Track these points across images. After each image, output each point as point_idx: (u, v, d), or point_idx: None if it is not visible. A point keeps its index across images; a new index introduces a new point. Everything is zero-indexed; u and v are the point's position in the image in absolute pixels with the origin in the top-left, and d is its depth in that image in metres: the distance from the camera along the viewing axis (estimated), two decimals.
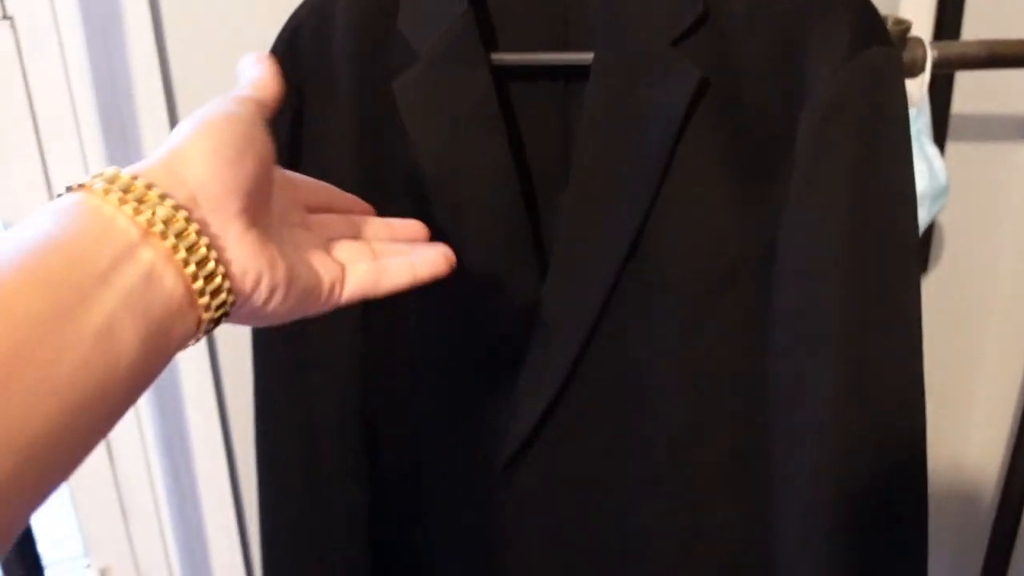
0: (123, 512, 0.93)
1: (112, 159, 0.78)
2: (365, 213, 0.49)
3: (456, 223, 0.61)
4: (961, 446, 1.28)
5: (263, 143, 0.38)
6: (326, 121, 0.63)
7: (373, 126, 0.63)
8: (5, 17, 0.75)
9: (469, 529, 0.69)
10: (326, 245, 0.43)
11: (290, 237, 0.40)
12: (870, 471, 0.56)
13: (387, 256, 0.45)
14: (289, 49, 0.62)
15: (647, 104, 0.56)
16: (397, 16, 0.61)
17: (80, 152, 0.79)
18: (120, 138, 0.78)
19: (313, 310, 0.41)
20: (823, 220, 0.55)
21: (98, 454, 0.90)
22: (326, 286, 0.41)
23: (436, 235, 0.62)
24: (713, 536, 0.63)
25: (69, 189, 0.33)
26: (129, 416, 0.87)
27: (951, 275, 1.18)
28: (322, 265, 0.41)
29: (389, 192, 0.64)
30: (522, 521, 0.66)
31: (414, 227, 0.50)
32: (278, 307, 0.38)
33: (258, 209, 0.37)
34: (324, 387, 0.67)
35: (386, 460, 0.70)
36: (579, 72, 0.61)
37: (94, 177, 0.33)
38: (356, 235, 0.46)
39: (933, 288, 1.17)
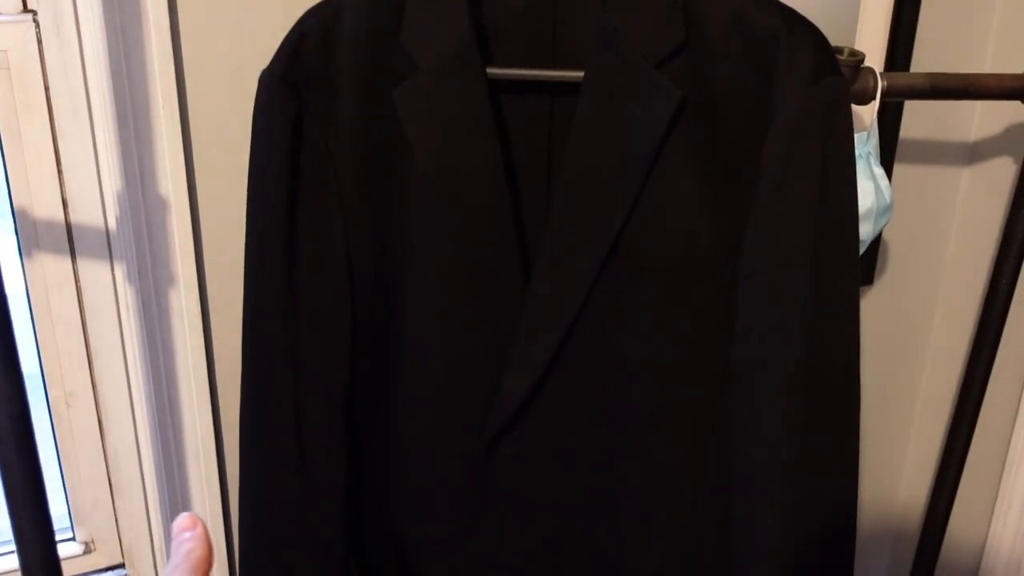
0: (111, 487, 0.97)
1: (123, 149, 0.82)
2: None
3: (450, 217, 0.68)
4: (903, 437, 1.37)
5: None
6: (325, 123, 0.68)
7: (372, 129, 0.69)
8: (27, 10, 0.80)
9: (452, 501, 0.75)
10: None
11: None
12: (820, 425, 0.66)
13: None
14: (294, 54, 0.67)
15: (633, 119, 0.63)
16: (399, 32, 0.67)
17: (91, 142, 0.84)
18: (131, 129, 0.82)
19: None
20: (791, 217, 0.64)
21: (90, 428, 0.94)
22: None
23: (432, 228, 0.69)
24: (678, 497, 0.71)
25: None
26: (121, 390, 0.91)
27: (897, 286, 1.27)
28: None
29: (387, 188, 0.70)
30: (504, 491, 0.72)
31: None
32: None
33: None
34: (313, 369, 0.72)
35: (368, 443, 0.75)
36: (564, 87, 0.68)
37: None
38: None
39: (880, 297, 1.26)
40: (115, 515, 0.98)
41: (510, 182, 0.68)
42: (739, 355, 0.66)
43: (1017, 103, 0.98)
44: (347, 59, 0.67)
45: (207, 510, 0.97)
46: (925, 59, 1.10)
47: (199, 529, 0.43)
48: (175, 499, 0.96)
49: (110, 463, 0.96)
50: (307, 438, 0.72)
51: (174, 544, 0.43)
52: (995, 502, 1.28)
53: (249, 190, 0.70)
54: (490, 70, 0.67)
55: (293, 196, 0.69)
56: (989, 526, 1.29)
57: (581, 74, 0.65)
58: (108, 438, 0.95)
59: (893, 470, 1.40)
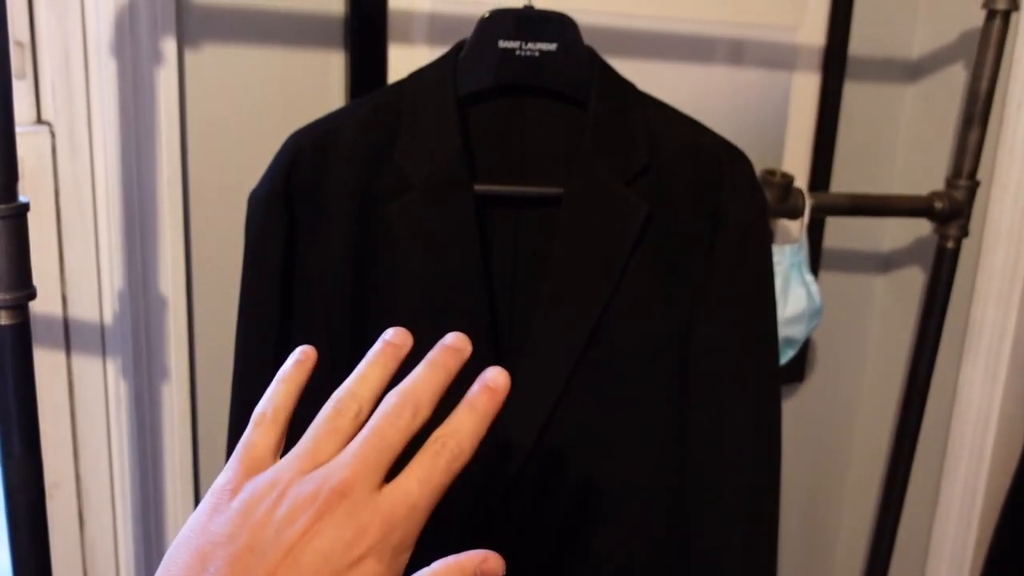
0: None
1: (128, 250, 0.88)
2: None
3: (437, 318, 0.75)
4: (838, 503, 1.45)
5: None
6: (313, 236, 0.74)
7: (361, 241, 0.75)
8: (41, 121, 0.86)
9: None
10: None
11: None
12: (764, 472, 0.80)
13: None
14: (289, 171, 0.74)
15: (608, 229, 0.73)
16: (394, 151, 0.75)
17: (94, 243, 0.89)
18: (137, 233, 0.88)
19: None
20: (740, 307, 0.77)
21: (70, 520, 0.95)
22: None
23: (419, 329, 0.75)
24: (648, 546, 0.81)
25: None
26: (103, 482, 0.94)
27: (824, 382, 1.38)
28: None
29: (377, 298, 0.76)
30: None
31: None
32: None
33: None
34: None
35: None
36: (533, 201, 0.79)
37: None
38: None
39: (809, 392, 1.37)
40: None
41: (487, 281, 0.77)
42: (699, 419, 0.78)
43: (922, 220, 1.12)
44: (340, 176, 0.74)
45: None
46: (843, 178, 1.25)
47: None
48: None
49: (87, 556, 0.97)
50: None
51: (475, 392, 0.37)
52: None
53: (242, 304, 0.75)
54: (478, 187, 0.76)
55: (284, 312, 0.74)
56: None
57: (561, 190, 0.75)
58: (87, 531, 0.96)
59: (824, 556, 1.48)
